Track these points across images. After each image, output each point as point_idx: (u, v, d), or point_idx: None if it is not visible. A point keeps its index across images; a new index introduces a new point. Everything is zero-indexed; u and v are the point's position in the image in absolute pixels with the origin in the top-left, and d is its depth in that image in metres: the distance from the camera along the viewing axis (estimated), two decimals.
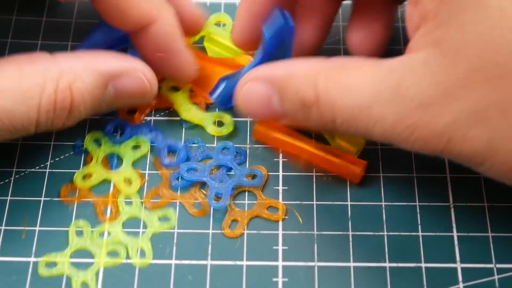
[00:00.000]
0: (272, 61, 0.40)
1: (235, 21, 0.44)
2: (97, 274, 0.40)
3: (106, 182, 0.43)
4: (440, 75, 0.34)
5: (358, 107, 0.35)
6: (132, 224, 0.42)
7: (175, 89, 0.46)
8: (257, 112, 0.40)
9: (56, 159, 0.44)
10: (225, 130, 0.45)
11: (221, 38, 0.48)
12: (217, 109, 0.46)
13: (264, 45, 0.41)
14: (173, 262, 0.40)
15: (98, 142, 0.44)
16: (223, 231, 0.41)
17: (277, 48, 0.41)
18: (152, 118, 0.46)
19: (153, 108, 0.46)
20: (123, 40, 0.47)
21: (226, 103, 0.44)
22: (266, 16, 0.42)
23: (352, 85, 0.36)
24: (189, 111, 0.45)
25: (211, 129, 0.45)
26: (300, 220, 0.42)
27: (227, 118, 0.45)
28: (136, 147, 0.44)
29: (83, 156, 0.44)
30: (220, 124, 0.45)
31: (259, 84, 0.39)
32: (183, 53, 0.44)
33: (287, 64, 0.39)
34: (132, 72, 0.41)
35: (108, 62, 0.41)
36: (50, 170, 0.44)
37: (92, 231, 0.41)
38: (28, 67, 0.39)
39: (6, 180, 0.43)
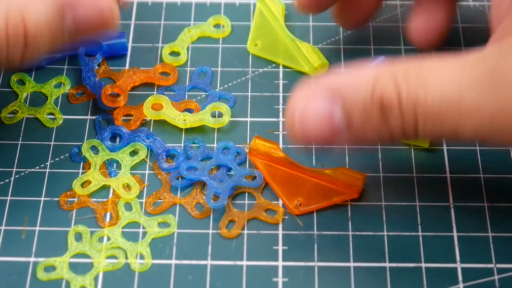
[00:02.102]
0: None
1: None
2: (96, 278, 0.40)
3: (105, 188, 0.43)
4: None
5: (446, 102, 0.32)
6: (132, 229, 0.42)
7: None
8: (315, 131, 0.34)
9: (56, 159, 0.44)
10: (226, 118, 0.45)
11: (273, 7, 0.50)
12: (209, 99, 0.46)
13: None
14: (173, 262, 0.40)
15: (95, 149, 0.44)
16: (219, 231, 0.41)
17: None
18: (151, 121, 0.46)
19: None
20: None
21: None
22: None
23: (437, 80, 0.32)
24: (185, 120, 0.45)
25: (214, 122, 0.45)
26: (300, 223, 0.42)
27: (224, 106, 0.45)
28: (134, 152, 0.44)
29: (81, 163, 0.44)
30: (219, 116, 0.45)
31: (318, 99, 0.34)
32: None
33: (352, 70, 0.35)
34: (89, 0, 0.39)
35: None
36: (50, 170, 0.44)
37: (91, 235, 0.41)
38: None
39: (6, 180, 0.43)
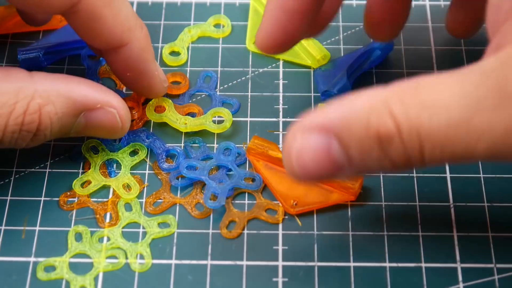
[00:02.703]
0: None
1: (264, 21, 0.41)
2: (96, 278, 0.40)
3: (105, 188, 0.43)
4: None
5: (453, 124, 0.30)
6: (132, 229, 0.42)
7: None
8: (314, 169, 0.32)
9: (56, 159, 0.44)
10: (227, 124, 0.45)
11: None
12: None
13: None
14: (173, 262, 0.40)
15: (95, 149, 0.44)
16: (220, 232, 0.41)
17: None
18: (152, 121, 0.46)
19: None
20: (80, 42, 0.47)
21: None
22: (300, 13, 0.40)
23: (438, 102, 0.30)
24: (186, 124, 0.45)
25: (214, 128, 0.45)
26: (299, 223, 0.42)
27: (226, 112, 0.45)
28: (133, 152, 0.44)
29: (81, 163, 0.44)
30: (220, 120, 0.45)
31: (312, 136, 0.32)
32: (152, 75, 0.43)
33: (343, 102, 0.32)
34: (106, 107, 0.41)
35: (84, 92, 0.40)
36: (50, 170, 0.44)
37: (91, 235, 0.41)
38: (3, 84, 0.38)
39: (6, 180, 0.43)
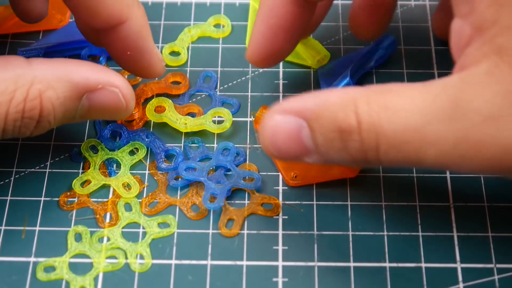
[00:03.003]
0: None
1: (252, 37, 0.43)
2: (95, 279, 0.40)
3: (105, 187, 0.43)
4: (508, 84, 0.31)
5: (409, 129, 0.32)
6: (132, 229, 0.42)
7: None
8: (285, 147, 0.36)
9: (56, 159, 0.44)
10: (228, 124, 0.45)
11: None
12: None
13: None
14: (173, 262, 0.40)
15: (94, 149, 0.44)
16: (220, 231, 0.41)
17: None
18: (152, 121, 0.46)
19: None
20: (80, 42, 0.47)
21: None
22: (285, 29, 0.42)
23: (399, 107, 0.33)
24: (186, 124, 0.45)
25: (214, 128, 0.45)
26: (298, 209, 0.42)
27: (226, 112, 0.45)
28: (133, 152, 0.44)
29: (81, 163, 0.44)
30: (220, 120, 0.45)
31: (287, 117, 0.36)
32: (152, 53, 0.43)
33: (319, 94, 0.35)
34: (108, 87, 0.40)
35: (84, 74, 0.39)
36: (50, 170, 0.44)
37: (91, 236, 0.41)
38: (1, 72, 0.37)
39: (6, 180, 0.43)
